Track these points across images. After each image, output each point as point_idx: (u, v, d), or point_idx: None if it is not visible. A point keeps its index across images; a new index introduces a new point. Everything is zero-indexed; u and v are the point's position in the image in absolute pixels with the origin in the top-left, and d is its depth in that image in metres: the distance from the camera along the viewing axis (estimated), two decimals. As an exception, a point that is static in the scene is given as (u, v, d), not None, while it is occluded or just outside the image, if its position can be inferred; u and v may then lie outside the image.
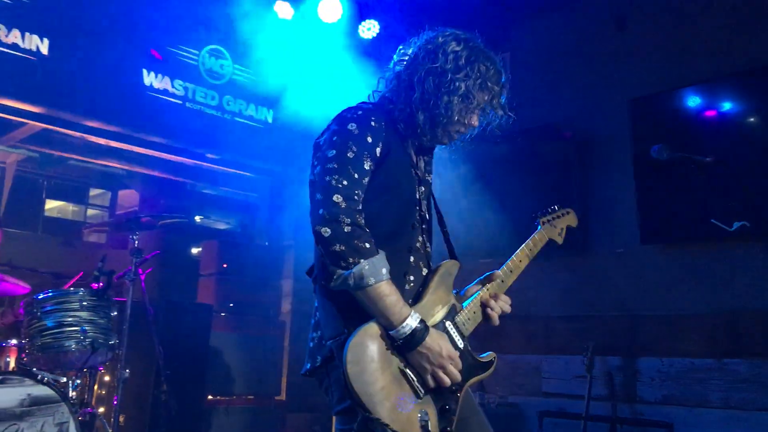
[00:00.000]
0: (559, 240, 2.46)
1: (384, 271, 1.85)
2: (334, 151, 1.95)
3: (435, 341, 1.90)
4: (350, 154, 1.94)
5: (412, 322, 1.86)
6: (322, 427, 6.73)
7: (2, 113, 6.05)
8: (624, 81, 5.51)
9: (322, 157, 1.98)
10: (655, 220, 5.08)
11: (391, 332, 1.86)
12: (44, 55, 5.64)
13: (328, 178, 1.91)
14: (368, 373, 1.81)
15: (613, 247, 5.37)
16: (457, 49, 2.10)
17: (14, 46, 5.49)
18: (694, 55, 5.15)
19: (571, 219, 2.53)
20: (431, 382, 1.90)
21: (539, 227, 2.42)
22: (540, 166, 5.79)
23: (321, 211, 1.87)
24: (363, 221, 1.89)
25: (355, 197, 1.91)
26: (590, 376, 4.90)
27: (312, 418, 6.75)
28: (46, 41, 5.64)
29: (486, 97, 2.13)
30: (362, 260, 1.82)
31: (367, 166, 1.96)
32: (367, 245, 1.85)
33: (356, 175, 1.93)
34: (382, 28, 6.61)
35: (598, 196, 5.55)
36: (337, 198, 1.87)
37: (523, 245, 2.32)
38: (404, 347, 1.87)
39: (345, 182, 1.90)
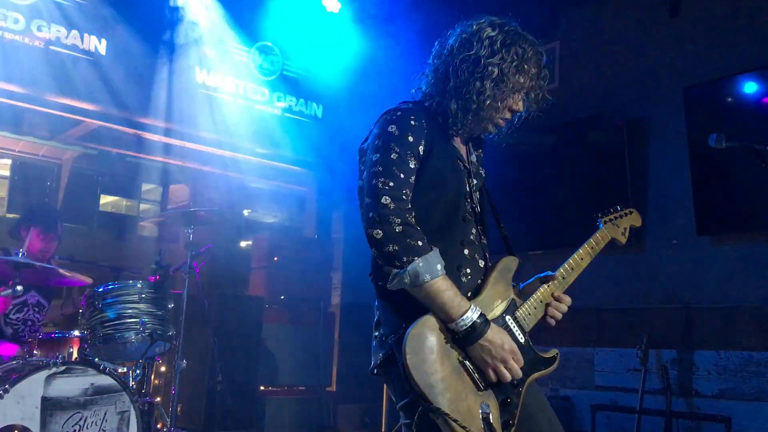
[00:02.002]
0: (623, 240, 2.41)
1: (439, 267, 1.86)
2: (378, 155, 1.97)
3: (496, 335, 1.90)
4: (394, 156, 1.96)
5: (472, 314, 1.87)
6: (372, 418, 6.78)
7: (60, 111, 6.25)
8: (678, 68, 5.38)
9: (367, 161, 2.02)
10: (712, 211, 4.96)
11: (450, 325, 1.87)
12: (102, 55, 5.81)
13: (374, 182, 1.93)
14: (428, 363, 1.81)
15: (668, 238, 5.27)
16: (492, 34, 2.08)
17: (74, 47, 5.66)
18: (751, 40, 5.00)
19: (634, 219, 2.48)
20: (492, 376, 1.90)
21: (601, 226, 2.38)
22: (591, 156, 5.70)
23: (371, 214, 1.89)
24: (413, 220, 1.91)
25: (404, 197, 1.92)
26: (644, 369, 4.82)
27: (362, 409, 6.80)
28: (104, 41, 5.81)
29: (523, 80, 2.09)
30: (416, 258, 1.84)
31: (412, 165, 1.98)
32: (420, 243, 1.86)
33: (402, 175, 1.94)
34: (428, 21, 6.60)
35: (652, 186, 5.44)
36: (385, 200, 1.89)
37: (584, 243, 2.29)
38: (464, 340, 1.87)
39: (391, 183, 1.92)
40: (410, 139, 2.00)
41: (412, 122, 2.02)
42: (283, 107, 6.94)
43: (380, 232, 1.87)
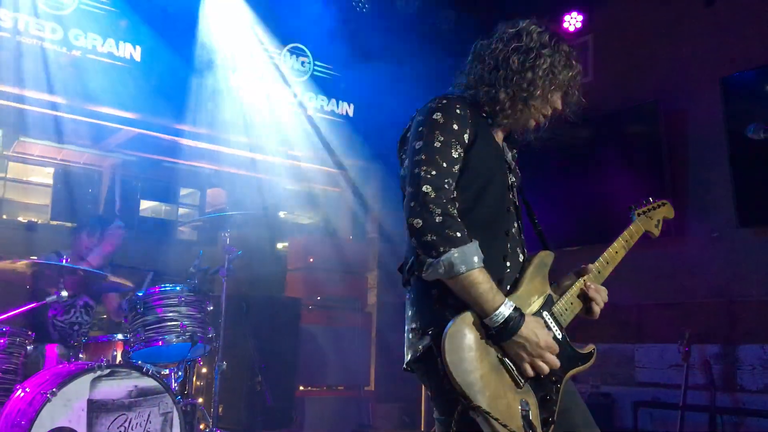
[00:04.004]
0: (656, 232, 2.39)
1: (476, 259, 1.85)
2: (421, 142, 1.96)
3: (531, 330, 1.87)
4: (437, 144, 1.94)
5: (505, 310, 1.84)
6: (411, 417, 6.79)
7: (99, 120, 6.38)
8: (714, 59, 5.28)
9: (409, 149, 2.00)
10: (753, 202, 4.86)
11: (485, 320, 1.85)
12: (137, 62, 5.91)
13: (416, 170, 1.92)
14: (467, 361, 1.80)
15: (709, 231, 5.17)
16: (540, 30, 2.13)
17: (110, 55, 5.78)
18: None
19: (667, 210, 2.45)
20: (530, 372, 1.88)
21: (634, 218, 2.35)
22: (628, 149, 5.62)
23: (412, 204, 1.88)
24: (455, 211, 1.89)
25: (445, 186, 1.91)
26: (687, 365, 4.75)
27: (401, 408, 6.82)
28: (138, 48, 5.91)
29: (570, 74, 2.13)
30: (452, 248, 1.83)
31: (455, 154, 1.96)
32: (458, 234, 1.85)
33: (445, 164, 1.93)
34: (458, 16, 6.58)
35: (691, 179, 5.35)
36: (426, 188, 1.88)
37: (619, 237, 2.26)
38: (499, 336, 1.85)
39: (434, 172, 1.90)
40: (455, 127, 1.99)
41: (458, 110, 2.01)
42: (315, 108, 6.99)
43: (420, 221, 1.86)
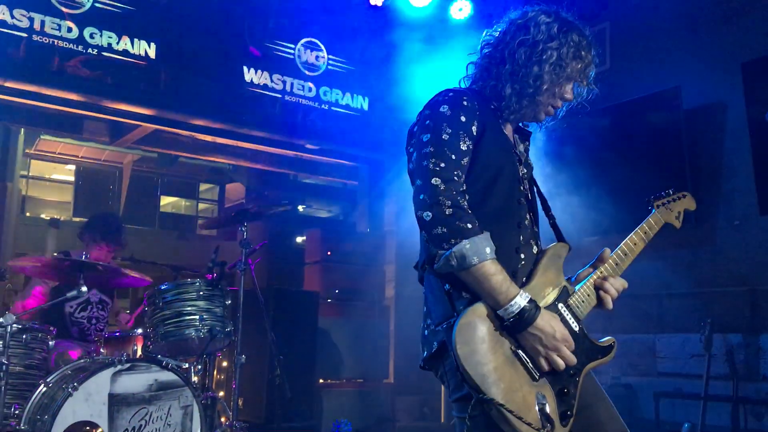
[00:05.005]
0: (677, 224, 2.32)
1: (488, 250, 1.81)
2: (429, 135, 1.94)
3: (547, 322, 1.84)
4: (445, 136, 1.92)
5: (520, 300, 1.81)
6: (431, 409, 6.79)
7: (117, 117, 6.44)
8: (734, 44, 5.19)
9: (417, 142, 1.98)
10: (776, 189, 4.78)
11: (499, 312, 1.82)
12: (152, 59, 5.95)
13: (425, 163, 1.89)
14: (479, 353, 1.77)
15: (730, 219, 5.10)
16: (548, 20, 2.06)
17: (125, 53, 5.82)
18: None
19: (688, 202, 2.38)
20: (545, 365, 1.85)
21: (653, 210, 2.28)
22: (646, 138, 5.55)
23: (421, 197, 1.86)
24: (465, 203, 1.87)
25: (455, 178, 1.88)
26: (709, 355, 4.70)
27: (421, 400, 6.82)
28: (153, 46, 5.95)
29: (580, 66, 2.07)
30: (464, 240, 1.80)
31: (464, 147, 1.93)
32: (469, 225, 1.82)
33: (453, 156, 1.90)
34: (474, 8, 6.53)
35: (712, 166, 5.27)
36: (435, 181, 1.85)
37: (637, 228, 2.21)
38: (513, 328, 1.82)
39: (443, 164, 1.88)
40: (463, 119, 1.96)
41: (465, 102, 1.99)
42: (330, 101, 7.00)
43: (430, 214, 1.83)
